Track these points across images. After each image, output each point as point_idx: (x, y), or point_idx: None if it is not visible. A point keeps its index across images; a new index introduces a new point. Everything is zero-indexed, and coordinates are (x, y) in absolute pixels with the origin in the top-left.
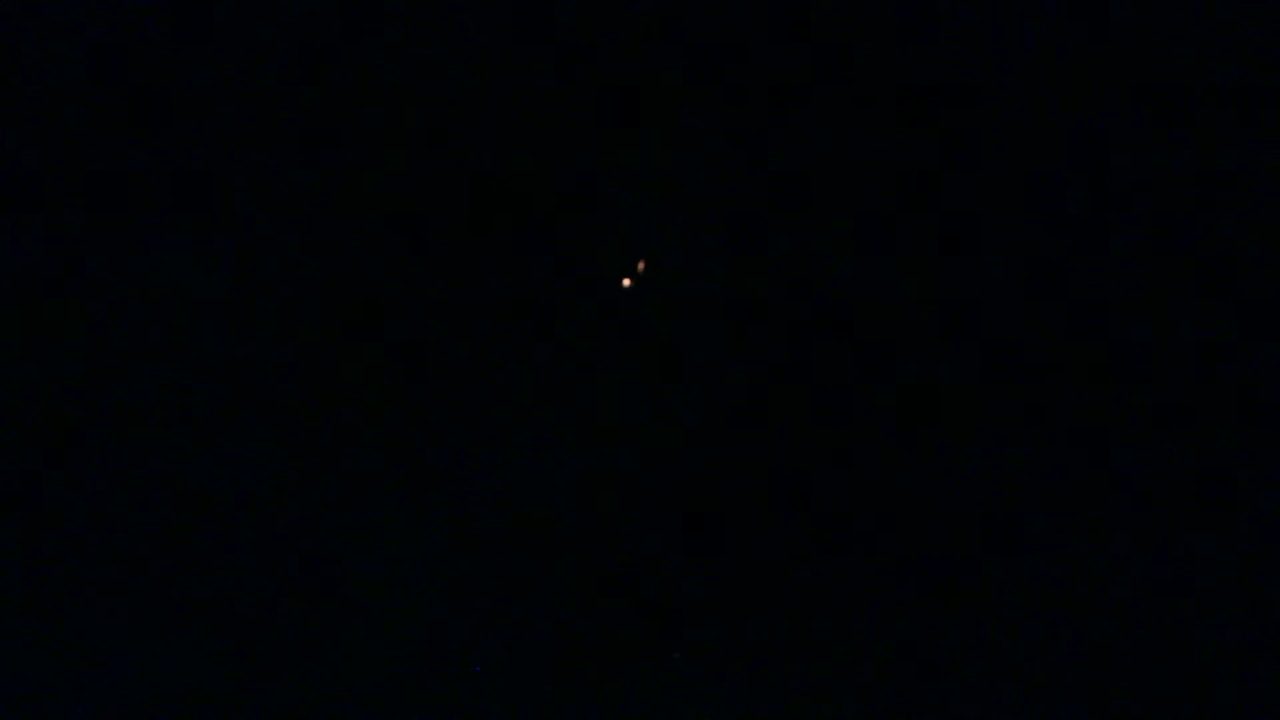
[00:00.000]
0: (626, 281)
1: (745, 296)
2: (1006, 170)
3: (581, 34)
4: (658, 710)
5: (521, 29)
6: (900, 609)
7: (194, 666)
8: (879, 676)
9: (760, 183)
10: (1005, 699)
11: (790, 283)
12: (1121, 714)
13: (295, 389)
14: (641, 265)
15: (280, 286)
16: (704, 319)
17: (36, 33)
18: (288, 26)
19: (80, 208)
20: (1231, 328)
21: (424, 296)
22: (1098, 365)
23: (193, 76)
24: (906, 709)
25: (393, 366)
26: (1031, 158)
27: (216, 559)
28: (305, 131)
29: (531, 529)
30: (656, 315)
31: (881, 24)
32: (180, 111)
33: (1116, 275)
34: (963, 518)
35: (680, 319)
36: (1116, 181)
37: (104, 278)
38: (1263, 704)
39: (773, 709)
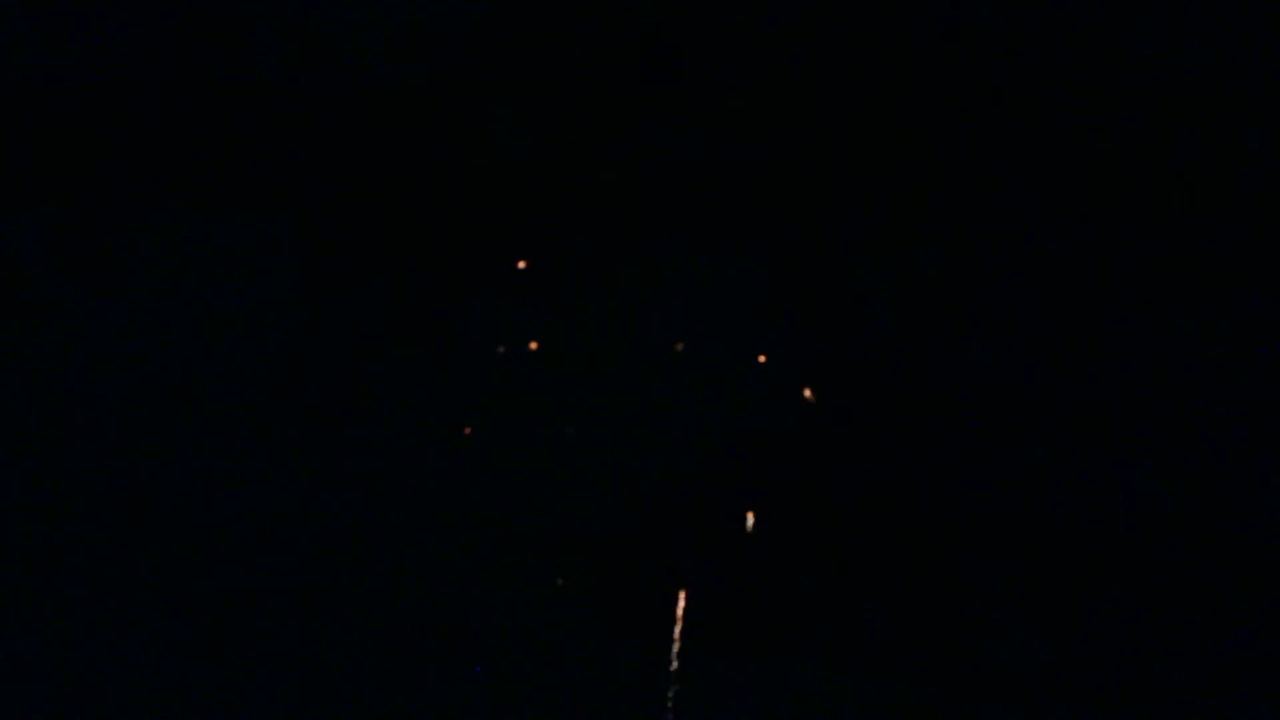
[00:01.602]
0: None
1: (762, 297)
2: (1021, 174)
3: (597, 39)
4: (658, 714)
5: (533, 31)
6: (911, 613)
7: (198, 666)
8: (889, 682)
9: (774, 186)
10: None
11: (806, 285)
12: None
13: (301, 389)
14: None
15: (294, 289)
16: (722, 322)
17: (36, 33)
18: (287, 26)
19: (80, 207)
20: (1235, 329)
21: (439, 297)
22: (1111, 364)
23: (192, 76)
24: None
25: (395, 364)
26: (1051, 160)
27: (220, 556)
28: (306, 131)
29: (532, 531)
30: (677, 322)
31: (901, 29)
32: (180, 111)
33: (1128, 276)
34: (976, 519)
35: (699, 323)
36: (1129, 185)
37: (101, 277)
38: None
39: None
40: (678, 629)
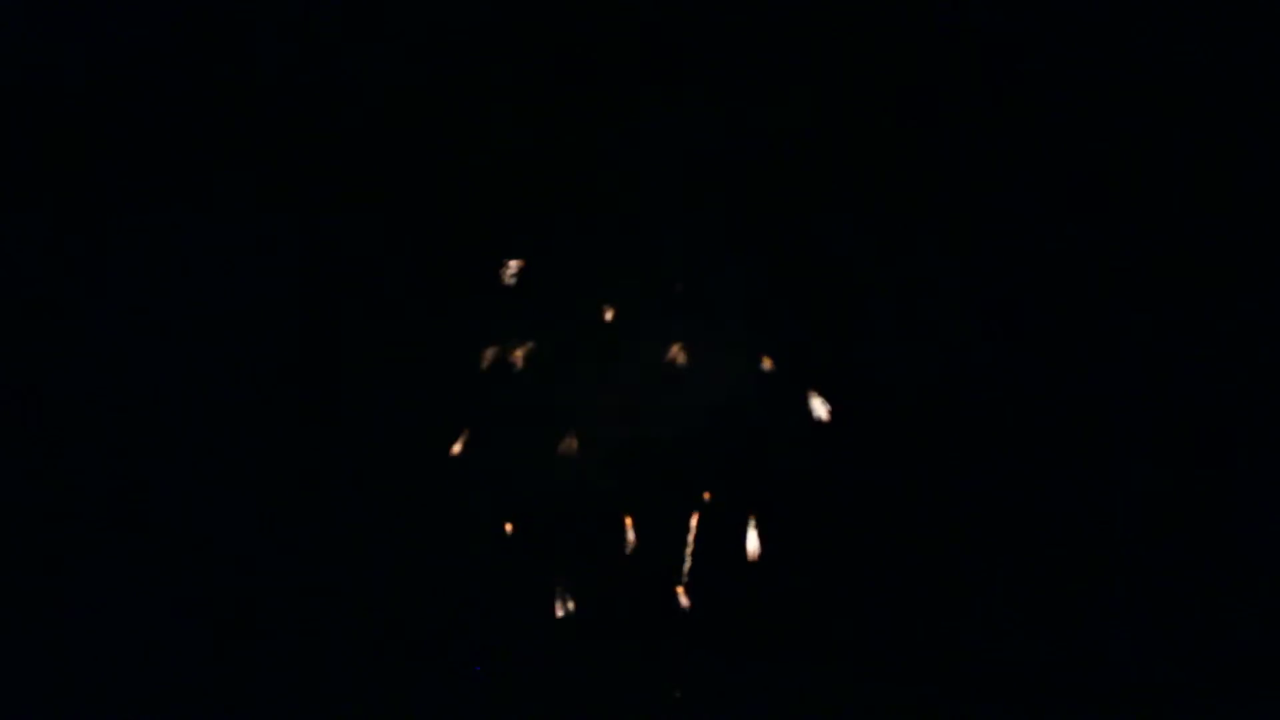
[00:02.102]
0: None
1: (762, 297)
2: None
3: (596, 39)
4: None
5: (533, 32)
6: (911, 613)
7: (199, 666)
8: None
9: (774, 186)
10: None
11: (806, 285)
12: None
13: (299, 388)
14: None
15: (293, 287)
16: (718, 317)
17: (37, 34)
18: (287, 27)
19: (80, 206)
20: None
21: (437, 296)
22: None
23: (190, 77)
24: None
25: (393, 364)
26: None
27: (219, 557)
28: (306, 131)
29: (531, 533)
30: (677, 322)
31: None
32: (180, 111)
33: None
34: (977, 518)
35: (699, 323)
36: (1128, 185)
37: (98, 276)
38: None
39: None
40: (678, 629)
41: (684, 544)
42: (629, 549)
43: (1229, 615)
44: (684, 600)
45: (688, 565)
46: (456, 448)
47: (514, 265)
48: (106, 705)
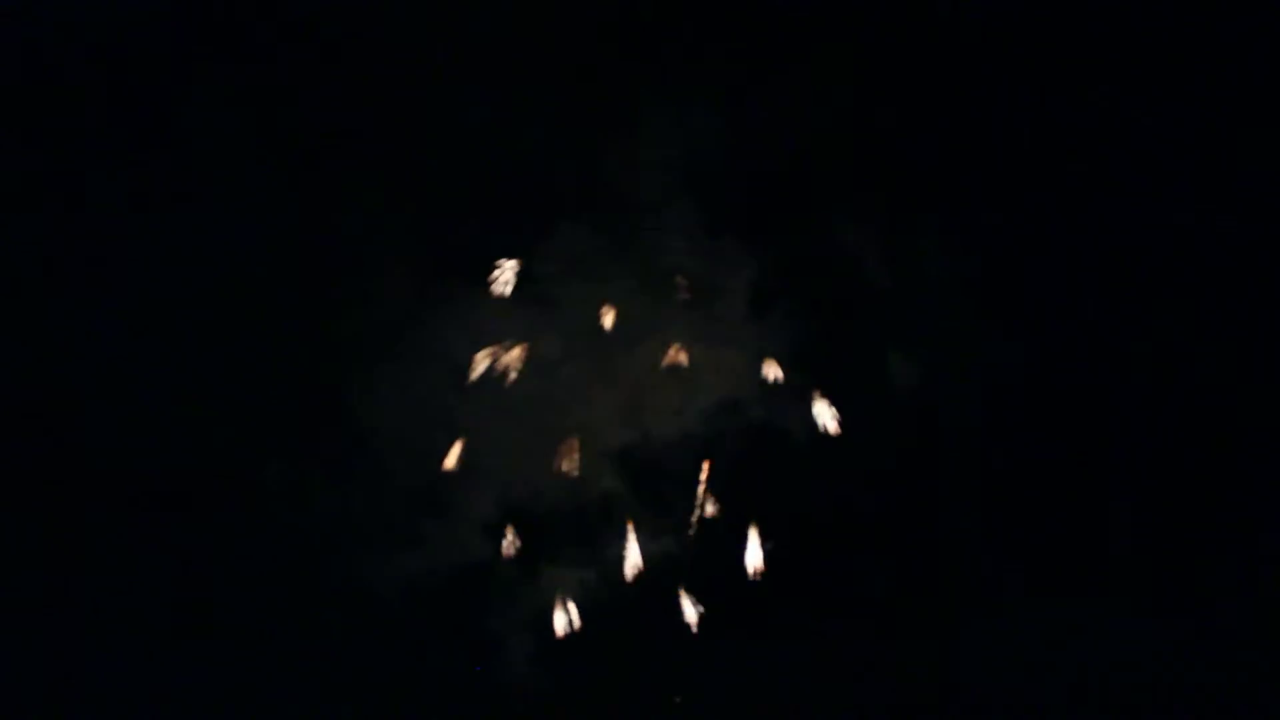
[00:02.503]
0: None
1: (760, 288)
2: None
3: (597, 39)
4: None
5: (532, 32)
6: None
7: (203, 664)
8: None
9: (773, 175)
10: None
11: (806, 285)
12: None
13: (299, 388)
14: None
15: (288, 286)
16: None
17: (38, 34)
18: (286, 29)
19: (80, 207)
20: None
21: (438, 295)
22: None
23: (190, 78)
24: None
25: (399, 362)
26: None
27: (221, 558)
28: (302, 131)
29: (532, 531)
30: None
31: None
32: (179, 113)
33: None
34: (976, 519)
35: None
36: (1136, 184)
37: (101, 277)
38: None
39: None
40: (679, 632)
41: (685, 545)
42: (629, 550)
43: (1227, 618)
44: (685, 602)
45: (689, 567)
46: (457, 449)
47: (512, 265)
48: (107, 703)
